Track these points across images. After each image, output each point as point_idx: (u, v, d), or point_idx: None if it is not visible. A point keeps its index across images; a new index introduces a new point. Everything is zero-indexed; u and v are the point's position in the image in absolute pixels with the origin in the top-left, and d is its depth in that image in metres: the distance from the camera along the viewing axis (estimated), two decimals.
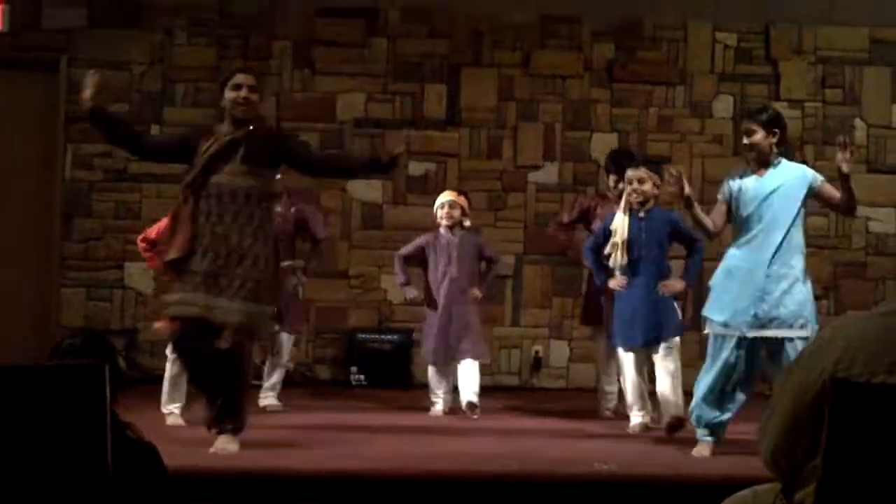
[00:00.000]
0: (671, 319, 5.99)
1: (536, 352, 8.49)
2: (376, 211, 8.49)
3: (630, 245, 5.94)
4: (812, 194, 5.32)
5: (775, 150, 5.29)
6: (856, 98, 8.66)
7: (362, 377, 8.08)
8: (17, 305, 8.13)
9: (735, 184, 5.36)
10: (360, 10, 8.51)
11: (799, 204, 5.27)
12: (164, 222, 5.60)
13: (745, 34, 8.67)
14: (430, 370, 6.81)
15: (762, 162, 5.31)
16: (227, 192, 4.99)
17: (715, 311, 5.36)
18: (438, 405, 6.73)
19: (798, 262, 5.25)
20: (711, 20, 8.63)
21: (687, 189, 5.26)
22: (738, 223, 5.36)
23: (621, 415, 6.32)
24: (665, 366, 5.92)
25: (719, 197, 5.46)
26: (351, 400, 7.39)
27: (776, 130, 5.28)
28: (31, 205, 8.26)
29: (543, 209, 8.37)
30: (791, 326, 5.15)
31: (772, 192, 5.24)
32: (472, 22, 8.55)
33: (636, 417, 6.00)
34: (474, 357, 6.71)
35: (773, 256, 5.21)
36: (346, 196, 8.48)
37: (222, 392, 5.04)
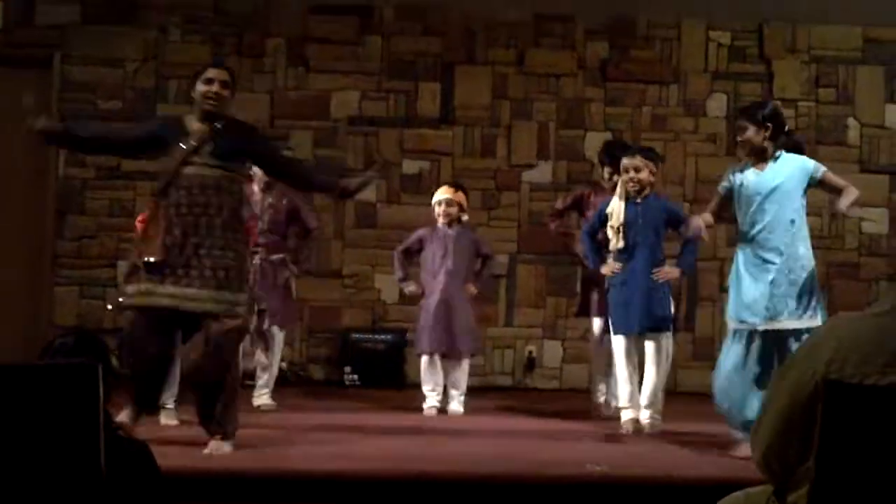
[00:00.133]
0: (666, 311, 5.99)
1: (530, 352, 8.49)
2: (370, 210, 8.48)
3: (626, 230, 5.94)
4: (814, 184, 5.40)
5: (770, 144, 5.33)
6: (849, 97, 8.67)
7: (356, 377, 8.08)
8: (10, 304, 8.11)
9: (736, 178, 5.44)
10: (354, 7, 8.50)
11: (801, 196, 5.37)
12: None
13: (738, 33, 8.68)
14: (423, 364, 6.77)
15: (759, 157, 5.36)
16: (196, 185, 5.03)
17: (732, 309, 5.43)
18: (431, 400, 6.73)
19: (804, 253, 5.35)
20: (705, 19, 8.64)
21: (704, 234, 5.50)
22: (742, 218, 5.44)
23: (615, 411, 6.31)
24: (655, 359, 5.92)
25: (718, 189, 5.55)
26: (344, 400, 7.38)
27: (768, 125, 5.34)
28: (24, 202, 8.24)
29: (537, 208, 8.37)
30: (800, 317, 5.23)
31: (774, 187, 5.32)
32: (466, 20, 8.55)
33: (626, 413, 5.98)
34: (468, 352, 6.75)
35: (779, 250, 5.30)
36: None
37: (214, 394, 5.04)
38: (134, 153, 5.77)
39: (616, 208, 5.99)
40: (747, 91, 8.60)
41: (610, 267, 6.02)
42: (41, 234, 8.30)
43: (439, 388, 6.76)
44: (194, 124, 5.13)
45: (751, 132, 5.36)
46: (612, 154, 6.56)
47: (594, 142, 8.37)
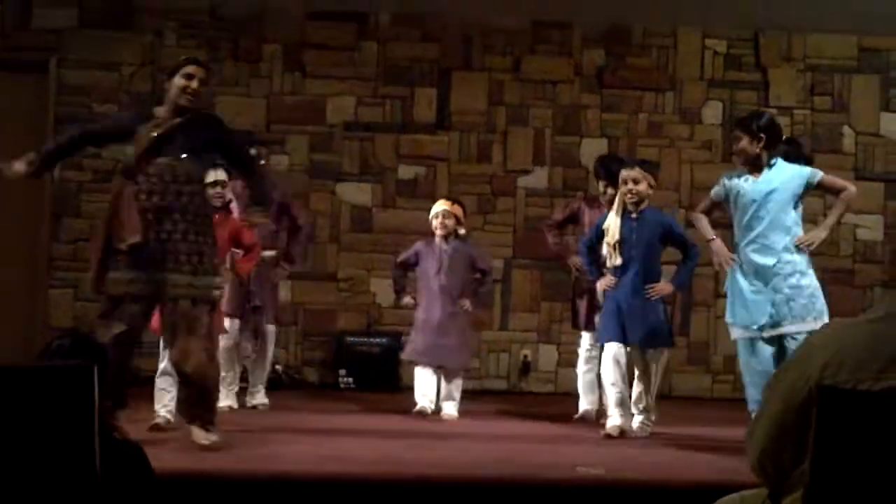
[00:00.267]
0: (658, 326, 5.98)
1: (525, 356, 8.49)
2: (365, 214, 8.49)
3: (621, 247, 5.95)
4: (812, 188, 5.52)
5: (765, 154, 5.41)
6: (844, 105, 8.69)
7: (350, 380, 8.08)
8: (6, 305, 8.10)
9: (731, 184, 5.55)
10: (351, 13, 8.51)
11: (797, 202, 5.47)
12: None
13: (734, 41, 8.70)
14: (417, 372, 6.81)
15: (754, 166, 5.44)
16: (168, 174, 5.13)
17: (733, 316, 5.51)
18: (423, 402, 6.72)
19: (801, 257, 5.44)
20: (701, 27, 8.65)
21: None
22: (738, 225, 5.50)
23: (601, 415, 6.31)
24: (649, 371, 5.92)
25: (711, 194, 5.68)
26: (339, 403, 7.38)
27: (762, 136, 5.42)
28: (20, 205, 8.23)
29: (533, 214, 8.38)
30: (804, 320, 5.30)
31: (768, 194, 5.42)
32: (462, 26, 8.56)
33: (612, 420, 5.98)
34: (457, 367, 6.75)
35: (776, 256, 5.37)
36: (335, 199, 8.48)
37: (196, 383, 5.09)
38: (105, 143, 5.81)
39: (612, 225, 5.97)
40: (743, 99, 8.62)
41: (606, 281, 6.02)
42: (37, 237, 8.29)
43: (432, 395, 6.77)
44: (164, 115, 5.24)
45: (745, 142, 5.49)
46: (606, 167, 6.56)
47: (590, 148, 8.39)
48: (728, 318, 5.63)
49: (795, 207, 5.50)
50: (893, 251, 8.61)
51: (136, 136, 5.17)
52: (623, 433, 5.87)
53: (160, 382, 5.83)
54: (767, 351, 5.44)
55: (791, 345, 5.28)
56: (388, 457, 5.08)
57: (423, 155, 8.52)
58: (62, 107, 8.21)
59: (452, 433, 6.05)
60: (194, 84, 5.23)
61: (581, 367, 6.74)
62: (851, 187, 5.67)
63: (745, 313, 5.47)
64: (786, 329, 5.36)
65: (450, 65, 8.57)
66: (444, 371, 6.76)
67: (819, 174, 5.52)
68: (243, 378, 6.87)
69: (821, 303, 5.41)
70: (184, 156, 5.16)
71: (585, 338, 6.71)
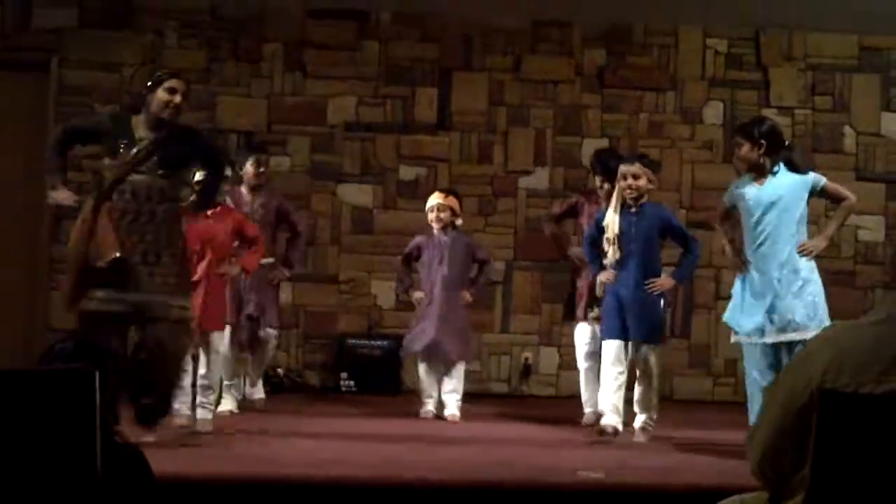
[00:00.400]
0: (657, 322, 5.97)
1: (526, 359, 8.48)
2: (366, 215, 8.48)
3: (620, 242, 5.94)
4: (815, 195, 5.59)
5: (767, 160, 5.46)
6: (845, 105, 8.68)
7: (352, 383, 8.07)
8: (6, 307, 8.10)
9: (737, 192, 5.62)
10: (352, 12, 8.51)
11: (800, 209, 5.51)
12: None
13: (735, 40, 8.69)
14: (422, 369, 6.83)
15: (758, 172, 5.49)
16: (143, 192, 5.15)
17: (735, 321, 5.56)
18: (429, 405, 6.76)
19: (805, 264, 5.50)
20: (702, 26, 8.64)
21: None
22: (745, 232, 5.60)
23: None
24: (648, 369, 5.91)
25: (724, 199, 5.77)
26: (340, 405, 7.37)
27: (762, 142, 5.49)
28: (20, 206, 8.23)
29: (534, 214, 8.37)
30: (807, 328, 5.32)
31: (772, 201, 5.50)
32: (463, 26, 8.56)
33: (607, 418, 5.96)
34: (460, 358, 6.76)
35: (780, 263, 5.45)
36: (336, 200, 8.47)
37: (153, 388, 5.11)
38: (83, 142, 5.72)
39: (611, 220, 5.97)
40: (744, 99, 8.62)
41: (607, 275, 6.02)
42: (37, 238, 8.29)
43: (437, 394, 6.79)
44: (142, 130, 5.23)
45: (746, 149, 5.57)
46: (603, 162, 6.58)
47: (591, 148, 8.33)
48: (726, 318, 5.66)
49: (799, 214, 5.53)
50: (893, 254, 8.60)
51: (116, 151, 5.18)
52: (617, 432, 5.85)
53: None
54: (767, 357, 5.45)
55: (787, 357, 5.30)
56: (389, 460, 5.08)
57: (423, 155, 8.52)
58: (63, 107, 8.20)
59: (453, 436, 6.04)
60: (177, 99, 5.23)
61: (582, 364, 6.72)
62: (852, 196, 5.72)
63: (742, 317, 5.51)
64: (786, 337, 5.39)
65: (450, 65, 8.56)
66: (444, 364, 6.77)
67: (822, 181, 5.59)
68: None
69: (822, 311, 5.44)
70: (160, 172, 5.18)
71: (583, 330, 6.68)
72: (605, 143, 8.43)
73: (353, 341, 8.21)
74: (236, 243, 6.29)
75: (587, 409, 6.66)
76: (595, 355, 6.41)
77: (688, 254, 6.12)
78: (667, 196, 8.26)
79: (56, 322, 8.12)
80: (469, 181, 8.43)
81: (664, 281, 6.00)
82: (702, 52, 8.68)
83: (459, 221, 6.94)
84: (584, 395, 6.71)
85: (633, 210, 5.96)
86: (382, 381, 8.02)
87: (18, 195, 8.26)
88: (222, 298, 6.12)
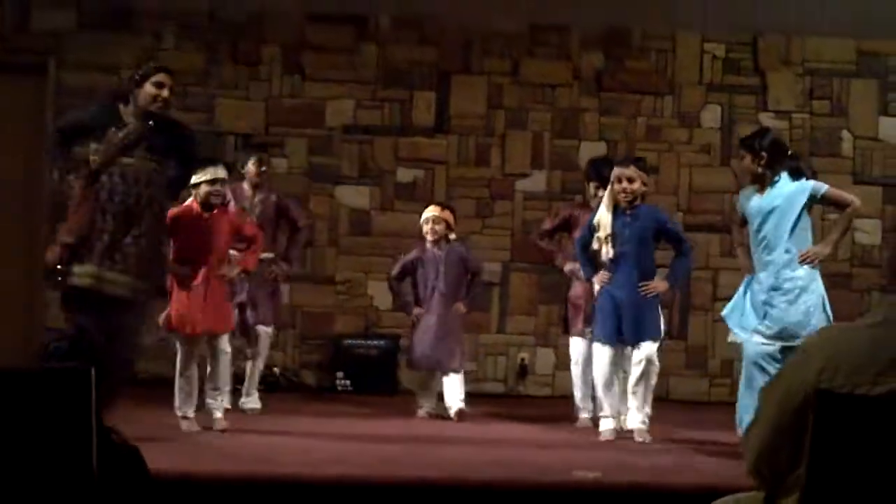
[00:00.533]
0: (655, 321, 5.98)
1: (522, 359, 8.49)
2: (364, 217, 8.49)
3: (614, 241, 5.95)
4: (817, 201, 5.67)
5: (768, 171, 5.55)
6: (843, 109, 8.69)
7: (348, 383, 8.07)
8: (4, 306, 8.09)
9: (743, 201, 5.77)
10: (350, 16, 8.51)
11: (797, 216, 5.58)
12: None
13: (733, 45, 8.69)
14: (418, 377, 6.94)
15: (760, 182, 5.65)
16: (131, 176, 5.34)
17: (733, 321, 5.66)
18: (425, 405, 6.85)
19: (805, 272, 5.57)
20: (700, 30, 8.65)
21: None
22: (750, 239, 5.72)
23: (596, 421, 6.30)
24: (641, 371, 5.91)
25: (737, 207, 5.93)
26: (336, 405, 7.37)
27: (763, 154, 5.56)
28: (19, 206, 8.23)
29: (531, 217, 8.37)
30: (799, 336, 5.34)
31: (770, 210, 5.60)
32: (461, 30, 8.56)
33: (606, 422, 5.97)
34: (456, 370, 6.84)
35: (777, 269, 5.55)
36: (333, 202, 8.48)
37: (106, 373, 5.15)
38: (73, 138, 5.81)
39: (603, 219, 5.98)
40: (741, 103, 8.62)
41: (601, 277, 6.02)
42: (34, 238, 8.28)
43: (433, 398, 6.87)
44: (131, 119, 5.38)
45: (748, 161, 5.69)
46: (598, 170, 6.60)
47: (588, 152, 8.37)
48: (724, 314, 5.74)
49: (800, 221, 5.59)
50: (890, 257, 8.61)
51: (95, 136, 5.31)
52: (619, 434, 5.88)
53: (181, 383, 5.82)
54: (756, 367, 5.50)
55: (775, 366, 5.35)
56: (385, 459, 5.08)
57: (421, 158, 8.52)
58: (61, 109, 8.19)
59: (449, 436, 6.05)
60: (165, 93, 5.39)
61: (576, 373, 6.72)
62: (856, 201, 5.76)
63: (740, 318, 5.58)
64: (781, 343, 5.44)
65: (449, 68, 8.57)
66: (442, 374, 6.86)
67: (823, 188, 5.65)
68: (239, 379, 6.82)
69: (817, 318, 5.46)
70: (148, 158, 5.35)
71: (578, 345, 6.67)
72: (602, 146, 8.44)
73: (350, 341, 8.21)
74: (234, 251, 6.31)
75: (582, 415, 6.67)
76: (589, 366, 6.39)
77: (681, 257, 6.13)
78: (664, 199, 8.27)
79: (52, 322, 8.12)
80: (466, 184, 8.43)
81: (659, 284, 6.00)
82: (699, 56, 8.69)
83: (453, 236, 7.00)
84: (578, 396, 6.73)
85: (628, 212, 5.97)
86: (379, 381, 8.03)
87: (17, 196, 8.26)
88: (224, 299, 6.12)
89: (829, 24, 8.43)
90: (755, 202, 5.64)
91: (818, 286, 5.59)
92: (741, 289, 5.74)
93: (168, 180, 5.61)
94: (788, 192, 5.59)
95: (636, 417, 5.91)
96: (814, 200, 5.65)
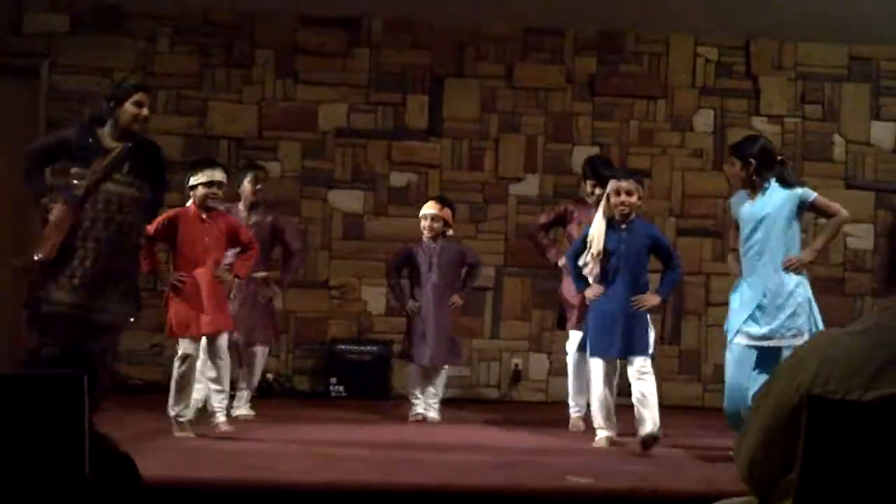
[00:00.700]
0: (645, 336, 5.97)
1: (516, 364, 8.49)
2: (357, 221, 8.48)
3: (608, 256, 5.95)
4: (806, 208, 5.70)
5: (757, 178, 5.59)
6: (835, 114, 8.71)
7: (341, 388, 8.06)
8: (2, 307, 8.07)
9: (735, 206, 5.80)
10: (343, 19, 8.51)
11: (787, 223, 5.62)
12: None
13: (725, 49, 8.71)
14: (412, 370, 6.93)
15: (751, 188, 5.68)
16: (115, 201, 5.38)
17: (729, 325, 5.70)
18: (418, 407, 6.86)
19: (793, 278, 5.60)
20: (693, 34, 8.67)
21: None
22: (740, 244, 5.73)
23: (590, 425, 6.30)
24: (641, 382, 5.89)
25: (730, 212, 5.97)
26: (330, 411, 7.37)
27: (752, 161, 5.60)
28: (10, 210, 8.20)
29: (524, 221, 8.36)
30: (783, 337, 5.47)
31: (761, 217, 5.62)
32: (454, 33, 8.57)
33: (601, 432, 5.98)
34: (451, 362, 6.92)
35: (767, 276, 5.58)
36: (326, 206, 8.47)
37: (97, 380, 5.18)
38: (53, 160, 5.85)
39: (597, 234, 5.96)
40: (734, 107, 8.64)
41: (593, 291, 6.02)
42: (27, 244, 8.25)
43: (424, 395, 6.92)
44: (109, 141, 5.43)
45: (736, 167, 5.72)
46: (594, 168, 6.65)
47: (582, 156, 8.34)
48: (727, 325, 5.80)
49: (790, 228, 5.63)
50: (882, 262, 8.61)
51: (85, 160, 5.36)
52: (613, 444, 5.90)
53: (177, 385, 5.80)
54: (745, 367, 5.56)
55: (768, 365, 5.40)
56: (378, 465, 5.08)
57: (414, 162, 8.52)
58: (54, 112, 8.19)
59: (443, 441, 6.04)
60: (145, 112, 5.46)
61: (572, 369, 6.72)
62: (843, 212, 5.78)
63: (736, 325, 5.64)
64: (767, 343, 5.51)
65: (442, 72, 8.57)
66: (434, 369, 6.90)
67: (812, 195, 5.69)
68: (232, 386, 6.79)
69: (802, 321, 5.53)
70: (128, 180, 5.40)
71: (574, 335, 6.66)
72: (595, 150, 8.43)
73: (343, 347, 8.20)
74: (231, 258, 6.29)
75: (573, 413, 6.69)
76: (583, 359, 6.40)
77: (671, 272, 6.15)
78: (657, 204, 8.28)
79: None
80: (460, 188, 8.43)
81: (650, 298, 6.00)
82: (692, 60, 8.71)
83: (450, 232, 7.01)
84: (571, 392, 6.74)
85: (623, 226, 5.97)
86: (372, 386, 8.03)
87: (9, 200, 8.24)
88: (224, 299, 6.12)
89: (821, 29, 8.45)
90: (747, 208, 5.68)
91: (805, 290, 5.64)
92: (732, 294, 5.76)
93: (145, 204, 5.63)
94: (777, 199, 5.65)
95: (649, 427, 5.81)
96: (802, 208, 5.69)
